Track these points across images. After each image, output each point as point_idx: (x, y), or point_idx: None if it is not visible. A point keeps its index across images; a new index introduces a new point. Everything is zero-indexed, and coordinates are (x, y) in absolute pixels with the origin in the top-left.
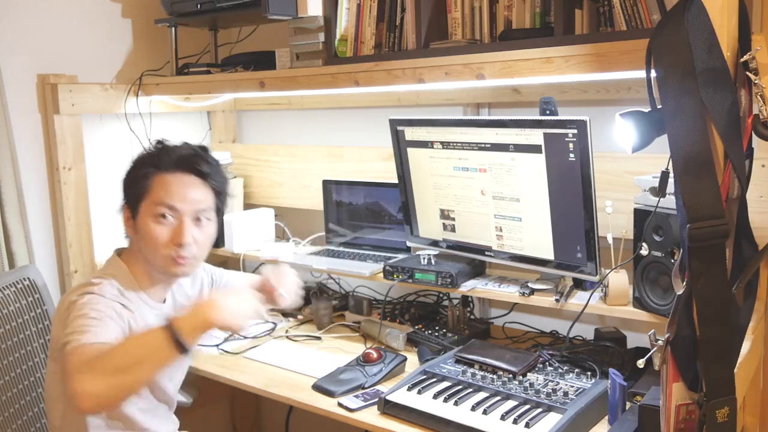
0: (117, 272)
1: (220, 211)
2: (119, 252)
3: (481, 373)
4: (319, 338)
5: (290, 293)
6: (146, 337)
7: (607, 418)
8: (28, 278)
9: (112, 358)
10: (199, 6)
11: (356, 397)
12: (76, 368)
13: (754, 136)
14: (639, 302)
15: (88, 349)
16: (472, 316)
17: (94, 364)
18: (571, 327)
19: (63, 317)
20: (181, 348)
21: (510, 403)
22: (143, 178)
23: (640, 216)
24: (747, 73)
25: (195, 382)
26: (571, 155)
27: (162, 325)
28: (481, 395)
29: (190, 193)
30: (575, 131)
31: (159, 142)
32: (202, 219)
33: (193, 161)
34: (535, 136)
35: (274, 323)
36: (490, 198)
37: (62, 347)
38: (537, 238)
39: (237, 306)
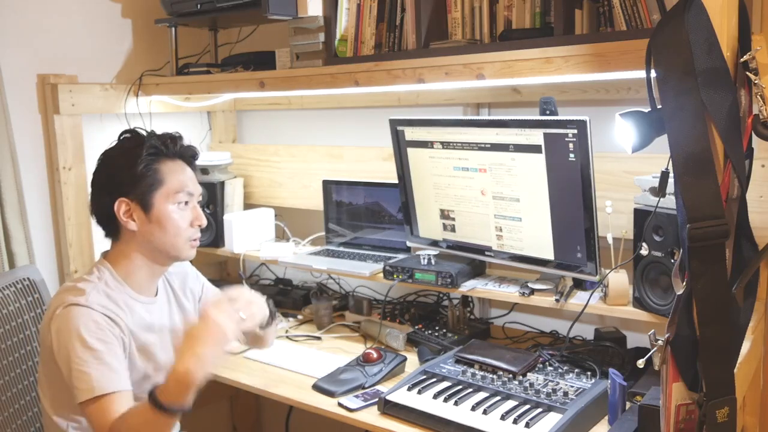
0: (103, 275)
1: None
2: (105, 254)
3: (481, 373)
4: (319, 338)
5: (248, 312)
6: (145, 416)
7: (607, 418)
8: (28, 278)
9: None
10: (199, 6)
11: (356, 397)
12: None
13: (754, 136)
14: (639, 302)
15: (108, 410)
16: (472, 316)
17: None
18: (571, 327)
19: (52, 328)
20: (178, 411)
21: (510, 403)
22: (150, 168)
23: (640, 216)
24: (747, 73)
25: None
26: (571, 155)
27: (149, 400)
28: (481, 395)
29: (194, 180)
30: (575, 131)
31: (150, 134)
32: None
33: (192, 151)
34: (535, 136)
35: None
36: (490, 198)
37: (70, 384)
38: (537, 238)
39: (211, 353)
